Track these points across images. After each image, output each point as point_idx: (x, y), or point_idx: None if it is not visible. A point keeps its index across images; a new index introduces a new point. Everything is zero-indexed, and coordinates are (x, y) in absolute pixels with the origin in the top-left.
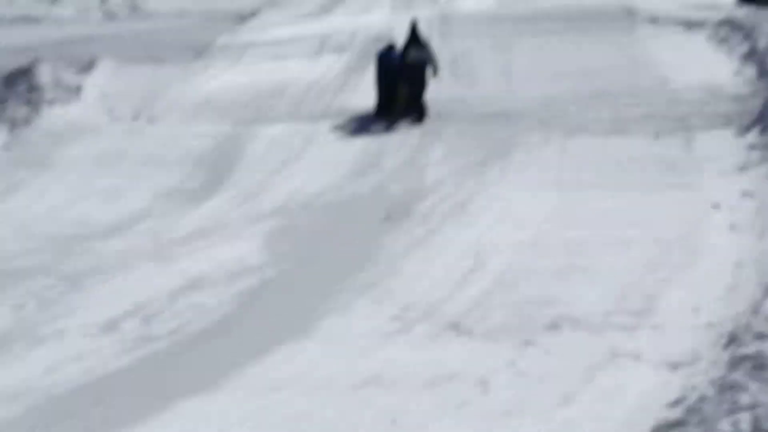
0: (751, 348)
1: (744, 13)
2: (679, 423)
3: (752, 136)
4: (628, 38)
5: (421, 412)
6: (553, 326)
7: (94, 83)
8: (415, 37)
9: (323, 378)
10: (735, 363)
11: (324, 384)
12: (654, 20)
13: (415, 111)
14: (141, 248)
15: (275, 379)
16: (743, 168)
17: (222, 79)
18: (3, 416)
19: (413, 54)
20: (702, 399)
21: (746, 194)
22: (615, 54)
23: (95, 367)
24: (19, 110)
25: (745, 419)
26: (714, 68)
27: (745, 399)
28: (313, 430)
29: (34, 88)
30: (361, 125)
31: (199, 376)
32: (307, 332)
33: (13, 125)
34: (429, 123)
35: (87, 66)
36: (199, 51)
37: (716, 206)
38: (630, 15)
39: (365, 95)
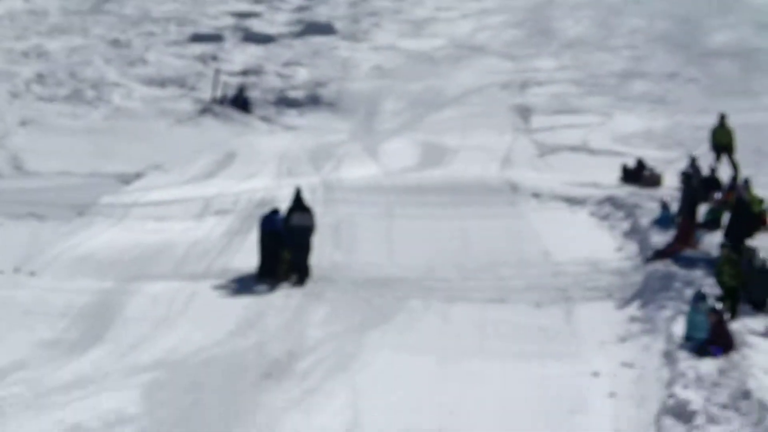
0: None
1: (625, 192)
2: None
3: (632, 309)
4: (512, 212)
5: None
6: None
7: None
8: (298, 203)
9: None
10: None
11: None
12: (537, 195)
13: (298, 274)
14: (19, 396)
15: None
16: (623, 339)
17: (105, 236)
18: None
19: (297, 219)
20: None
21: (626, 364)
22: (498, 226)
23: None
24: None
25: None
26: (596, 243)
27: None
28: None
29: None
30: (244, 285)
31: None
32: None
33: None
34: (311, 286)
35: None
36: (82, 209)
37: (596, 374)
38: (513, 190)
39: (248, 256)
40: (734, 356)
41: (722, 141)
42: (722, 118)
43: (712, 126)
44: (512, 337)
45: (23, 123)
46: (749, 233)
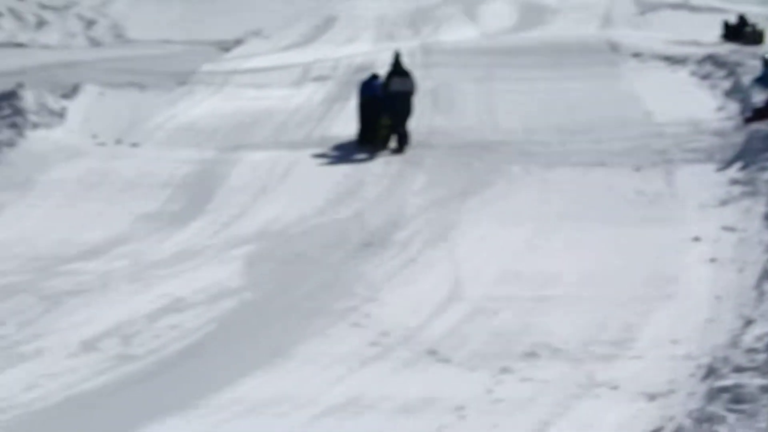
0: (729, 380)
1: (727, 49)
2: None
3: (733, 171)
4: (612, 72)
5: None
6: (531, 354)
7: (78, 108)
8: (398, 68)
9: (301, 400)
10: (713, 395)
11: (301, 406)
12: (637, 55)
13: (398, 140)
14: (122, 270)
15: (253, 401)
16: (724, 202)
17: (205, 105)
18: None
19: (396, 84)
20: (679, 430)
21: (727, 228)
22: (598, 87)
23: (74, 385)
24: (3, 133)
25: None
26: (697, 104)
27: (722, 431)
28: None
29: (18, 112)
30: (343, 153)
31: (176, 397)
32: (285, 355)
33: None
34: (410, 152)
35: (71, 91)
36: (182, 78)
37: (697, 239)
38: (614, 50)
39: (347, 123)
40: None
41: None
42: None
43: None
44: (612, 201)
45: None
46: None
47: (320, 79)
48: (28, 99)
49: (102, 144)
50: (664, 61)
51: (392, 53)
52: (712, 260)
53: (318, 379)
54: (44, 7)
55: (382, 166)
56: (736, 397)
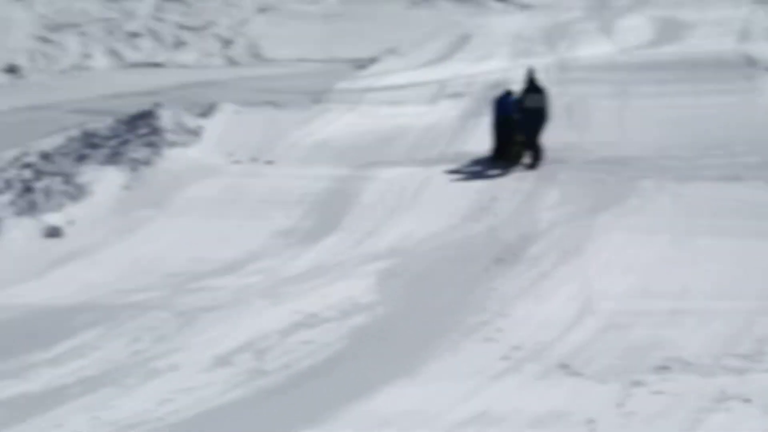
0: None
1: None
2: None
3: None
4: (747, 86)
5: None
6: (663, 368)
7: (214, 126)
8: (532, 84)
9: (431, 415)
10: None
11: (432, 420)
12: None
13: (532, 156)
14: (255, 286)
15: (383, 416)
16: None
17: (340, 123)
18: None
19: (531, 100)
20: None
21: None
22: (733, 102)
23: (208, 399)
24: (140, 152)
25: None
26: None
27: None
28: None
29: (155, 131)
30: (477, 170)
31: (309, 411)
32: (416, 371)
33: (135, 166)
34: (544, 168)
35: (207, 109)
36: (317, 96)
37: None
38: (750, 64)
39: (481, 140)
40: None
41: None
42: None
43: None
44: (746, 215)
45: (261, 10)
46: None
47: (455, 95)
48: (165, 118)
49: (237, 162)
50: None
51: (526, 69)
52: None
53: (449, 393)
54: (182, 27)
55: (515, 182)
56: None
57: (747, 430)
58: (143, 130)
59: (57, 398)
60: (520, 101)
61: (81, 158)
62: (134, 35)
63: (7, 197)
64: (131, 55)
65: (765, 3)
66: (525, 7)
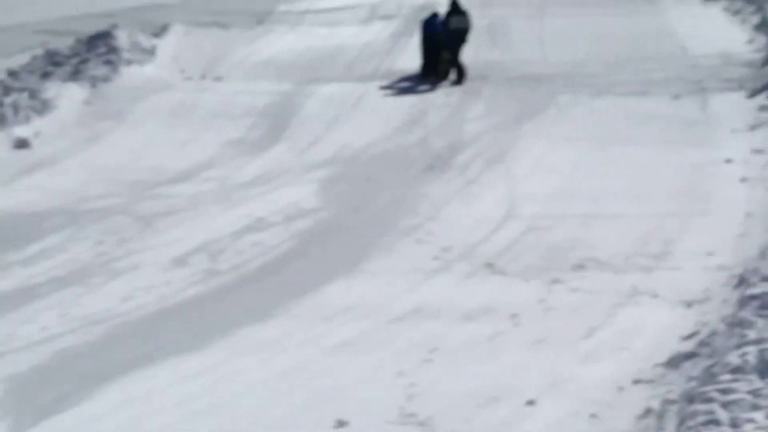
0: (758, 289)
1: None
2: (691, 355)
3: (762, 99)
4: (651, 9)
5: (459, 340)
6: (579, 266)
7: (167, 45)
8: (456, 6)
9: (370, 309)
10: (744, 302)
11: (371, 314)
12: None
13: (457, 73)
14: (209, 192)
15: (326, 310)
16: (754, 127)
17: (282, 42)
18: (86, 339)
19: (455, 22)
20: (713, 334)
21: (757, 151)
22: (639, 23)
23: (167, 297)
24: (99, 69)
25: (751, 352)
26: (728, 37)
27: (752, 335)
28: (360, 355)
29: (113, 50)
30: (408, 85)
31: (258, 307)
32: (356, 269)
33: (94, 82)
34: (469, 84)
35: (160, 30)
36: (261, 17)
37: (729, 161)
38: None
39: (411, 58)
40: None
41: None
42: None
43: None
44: (654, 126)
45: None
46: None
47: (387, 17)
48: (122, 38)
49: (189, 78)
50: None
51: None
52: (743, 180)
53: (388, 290)
54: None
55: (443, 96)
56: (765, 304)
57: (655, 321)
58: (102, 50)
59: (28, 296)
60: (445, 23)
61: (45, 75)
62: None
63: None
64: None
65: None
66: None
